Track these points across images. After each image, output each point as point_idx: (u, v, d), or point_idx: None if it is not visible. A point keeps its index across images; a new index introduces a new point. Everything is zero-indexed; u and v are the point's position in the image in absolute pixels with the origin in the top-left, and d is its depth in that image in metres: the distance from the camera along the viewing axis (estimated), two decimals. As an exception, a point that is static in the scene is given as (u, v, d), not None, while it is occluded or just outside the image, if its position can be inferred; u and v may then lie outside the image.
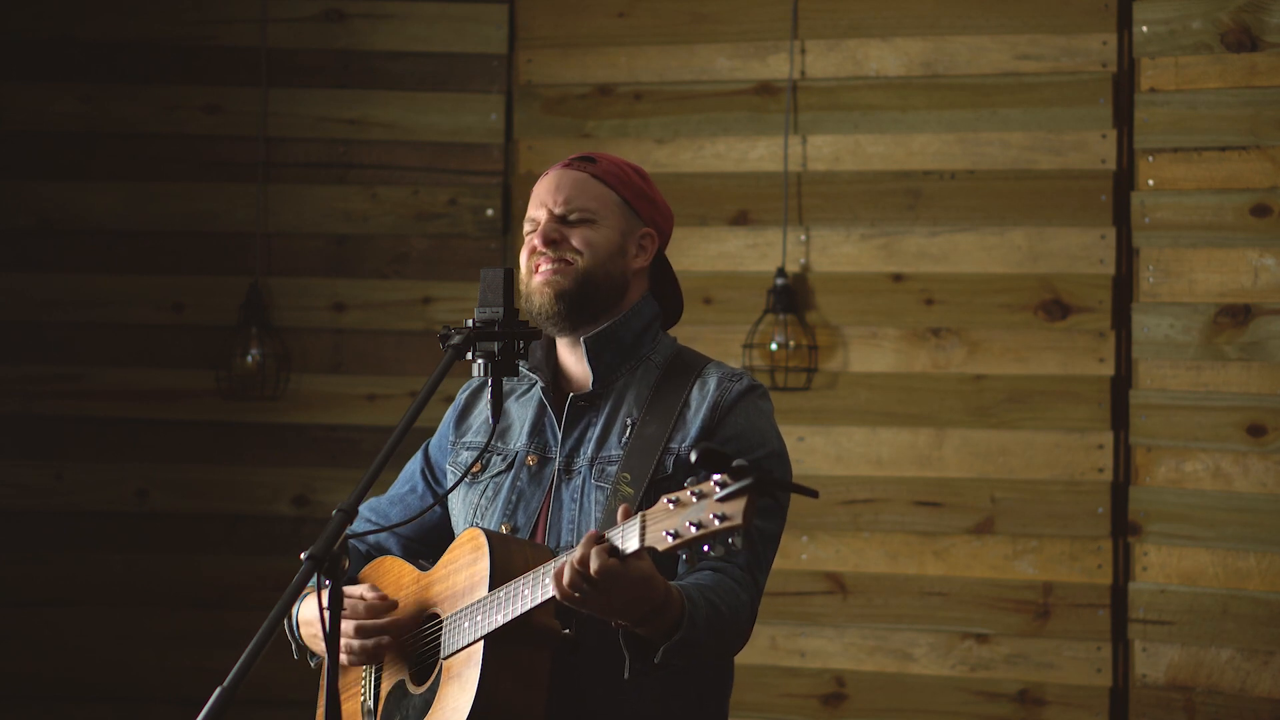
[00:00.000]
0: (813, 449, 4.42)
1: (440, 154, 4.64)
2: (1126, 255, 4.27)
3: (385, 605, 2.53)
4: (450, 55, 4.64)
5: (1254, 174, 4.11)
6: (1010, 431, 4.33)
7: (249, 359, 4.56)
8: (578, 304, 2.54)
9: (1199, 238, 4.17)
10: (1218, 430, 4.13)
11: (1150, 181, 4.22)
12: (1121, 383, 4.27)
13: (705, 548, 2.10)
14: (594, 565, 2.19)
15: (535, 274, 2.55)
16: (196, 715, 2.05)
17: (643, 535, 2.16)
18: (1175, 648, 4.17)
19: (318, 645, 2.60)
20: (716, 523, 2.08)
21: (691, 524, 2.09)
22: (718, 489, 2.08)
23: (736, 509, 2.06)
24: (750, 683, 4.32)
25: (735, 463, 2.07)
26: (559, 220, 2.56)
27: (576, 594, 2.22)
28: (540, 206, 2.58)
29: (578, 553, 2.21)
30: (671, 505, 2.13)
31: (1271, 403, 4.09)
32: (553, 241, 2.54)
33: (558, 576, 2.23)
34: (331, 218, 4.65)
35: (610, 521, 2.45)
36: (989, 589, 4.33)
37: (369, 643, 2.50)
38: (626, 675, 2.31)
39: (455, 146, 4.64)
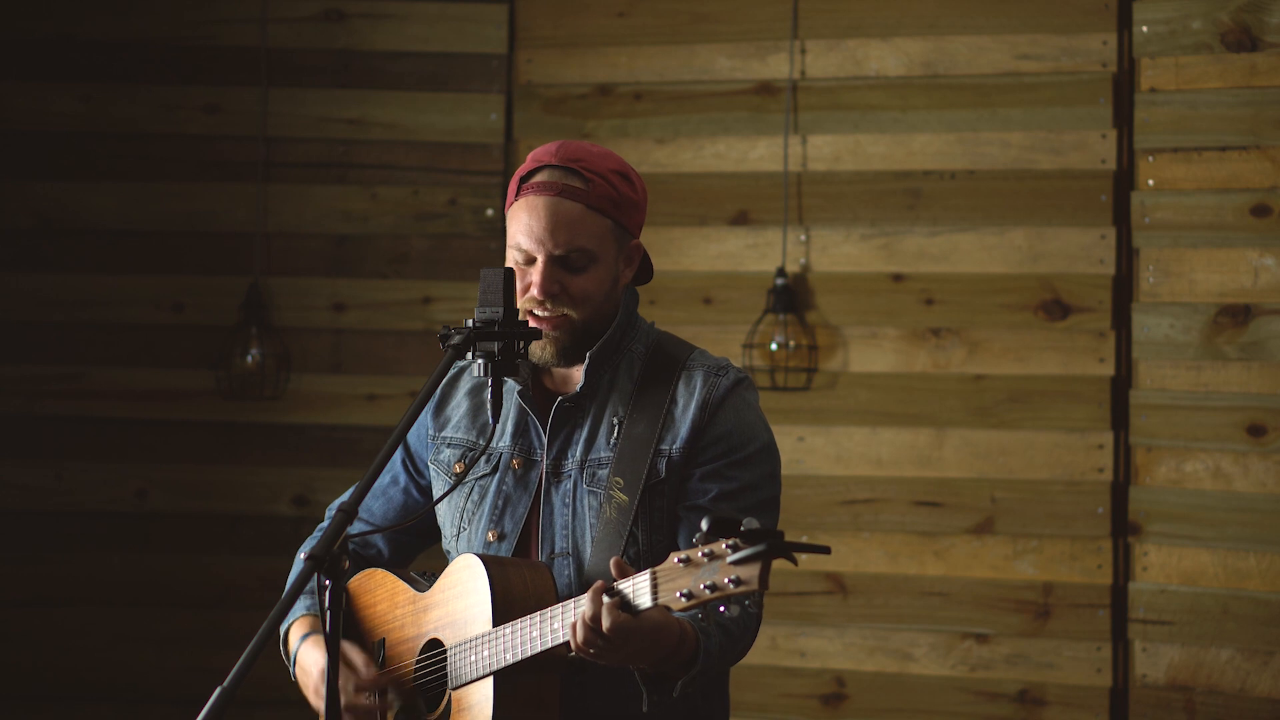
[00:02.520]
0: (813, 449, 4.42)
1: (440, 154, 4.64)
2: (1126, 255, 4.27)
3: (374, 681, 2.53)
4: (450, 55, 4.64)
5: (1254, 174, 4.11)
6: (1010, 431, 4.33)
7: (249, 359, 4.56)
8: (576, 350, 2.51)
9: (1199, 238, 4.17)
10: (1218, 430, 4.13)
11: (1150, 181, 4.22)
12: (1121, 383, 4.27)
13: (721, 608, 2.10)
14: (606, 623, 2.19)
15: (529, 317, 2.49)
16: (196, 715, 2.04)
17: (655, 593, 2.16)
18: (1175, 648, 4.16)
19: (311, 698, 2.60)
20: (732, 586, 2.07)
21: (705, 586, 2.09)
22: (730, 551, 2.07)
23: (751, 573, 2.06)
24: (750, 683, 4.32)
25: (744, 526, 2.06)
26: (557, 263, 2.48)
27: (591, 650, 2.23)
28: (536, 242, 2.48)
29: (588, 609, 2.21)
30: (681, 564, 2.12)
31: (1271, 403, 4.09)
32: (553, 295, 2.48)
33: (572, 631, 2.24)
34: (331, 218, 4.65)
35: (606, 535, 2.44)
36: (989, 589, 4.33)
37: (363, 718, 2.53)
38: (645, 709, 2.31)
39: (455, 146, 4.64)
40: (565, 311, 2.49)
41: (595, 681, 2.43)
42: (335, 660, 2.20)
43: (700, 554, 2.10)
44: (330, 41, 4.65)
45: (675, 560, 2.13)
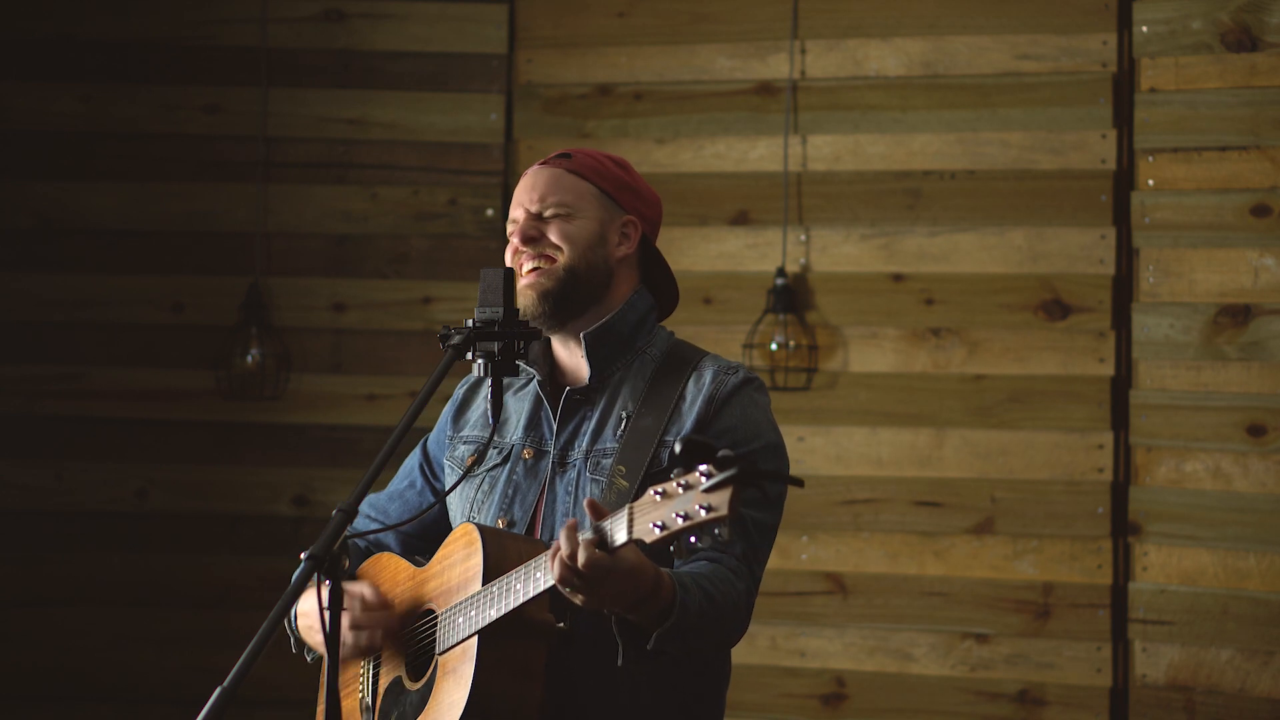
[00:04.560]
0: (813, 449, 4.42)
1: (440, 154, 4.64)
2: (1126, 255, 4.27)
3: (379, 602, 2.54)
4: (450, 55, 4.64)
5: (1254, 174, 4.11)
6: (1010, 431, 4.33)
7: (249, 359, 4.56)
8: (562, 301, 2.55)
9: (1199, 238, 4.17)
10: (1218, 430, 4.13)
11: (1150, 181, 4.22)
12: (1121, 383, 4.27)
13: (692, 538, 2.09)
14: (581, 559, 2.19)
15: (520, 275, 2.56)
16: (196, 715, 2.05)
17: (630, 527, 2.16)
18: (1175, 648, 4.17)
19: (313, 638, 2.61)
20: (703, 513, 2.07)
21: (678, 515, 2.09)
22: (704, 479, 2.07)
23: (722, 500, 2.06)
24: (750, 683, 4.32)
25: (720, 453, 2.07)
26: (536, 218, 2.57)
27: (566, 588, 2.23)
28: (518, 207, 2.59)
29: (565, 547, 2.21)
30: (659, 497, 2.12)
31: (1271, 403, 4.09)
32: (532, 239, 2.55)
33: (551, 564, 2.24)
34: (331, 218, 4.65)
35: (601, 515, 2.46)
36: (989, 589, 4.33)
37: (361, 635, 2.51)
38: (620, 662, 2.31)
39: (455, 146, 4.64)
40: (548, 252, 2.55)
41: (581, 653, 2.42)
42: (335, 658, 2.20)
43: (676, 485, 2.10)
44: (330, 41, 4.65)
45: (653, 493, 2.13)
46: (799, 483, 2.10)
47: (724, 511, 2.05)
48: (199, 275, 4.66)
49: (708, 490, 2.07)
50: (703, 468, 2.08)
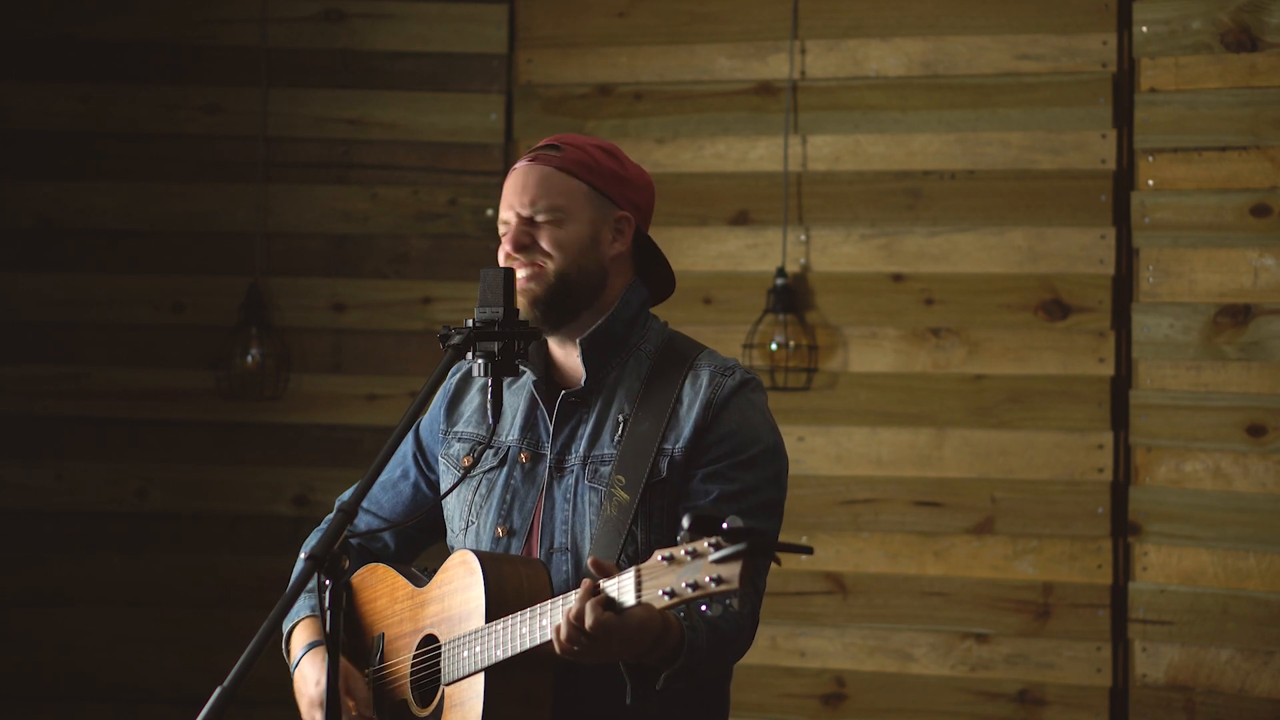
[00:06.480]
0: (813, 449, 4.42)
1: (440, 154, 4.64)
2: (1126, 255, 4.27)
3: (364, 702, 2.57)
4: (450, 55, 4.64)
5: (1254, 174, 4.11)
6: (1010, 431, 4.33)
7: (249, 359, 4.56)
8: (554, 307, 2.52)
9: (1199, 238, 4.17)
10: (1218, 430, 4.13)
11: (1150, 181, 4.22)
12: (1121, 383, 4.27)
13: (703, 607, 2.11)
14: (589, 621, 2.20)
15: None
16: (196, 715, 2.05)
17: (639, 591, 2.16)
18: (1175, 648, 4.17)
19: (304, 712, 2.64)
20: (713, 585, 2.07)
21: (687, 584, 2.10)
22: (712, 550, 2.07)
23: (732, 572, 2.06)
24: (750, 683, 4.32)
25: (727, 524, 2.06)
26: (527, 222, 2.52)
27: (575, 647, 2.23)
28: (508, 208, 2.54)
29: (574, 607, 2.21)
30: (666, 561, 2.13)
31: (1271, 403, 4.09)
32: (523, 247, 2.51)
33: (556, 632, 2.24)
34: (331, 218, 4.65)
35: (605, 532, 2.44)
36: (989, 589, 4.33)
37: None
38: (628, 701, 2.32)
39: (455, 146, 4.64)
40: (538, 261, 2.51)
41: (588, 681, 2.43)
42: (335, 658, 2.20)
43: (684, 552, 2.10)
44: (330, 41, 4.65)
45: (660, 558, 2.13)
46: (808, 550, 2.10)
47: (734, 585, 2.06)
48: (199, 275, 4.66)
49: (717, 561, 2.07)
50: (711, 539, 2.08)
